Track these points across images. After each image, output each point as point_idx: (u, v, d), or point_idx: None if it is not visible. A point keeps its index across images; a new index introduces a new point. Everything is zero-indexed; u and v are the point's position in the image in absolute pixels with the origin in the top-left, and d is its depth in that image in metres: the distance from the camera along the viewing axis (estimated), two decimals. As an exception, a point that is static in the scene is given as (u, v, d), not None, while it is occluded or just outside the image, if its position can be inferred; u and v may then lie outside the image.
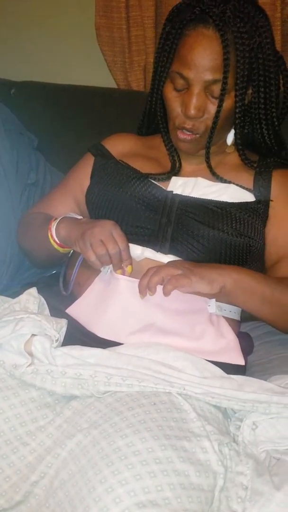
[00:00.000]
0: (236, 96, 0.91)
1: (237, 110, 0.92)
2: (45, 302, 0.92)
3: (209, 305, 0.90)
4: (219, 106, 0.90)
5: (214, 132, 0.93)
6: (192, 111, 0.90)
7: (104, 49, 1.38)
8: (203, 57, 0.87)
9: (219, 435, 0.74)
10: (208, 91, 0.90)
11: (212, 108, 0.91)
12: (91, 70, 1.48)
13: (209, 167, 0.99)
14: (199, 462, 0.70)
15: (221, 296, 0.89)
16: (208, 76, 0.88)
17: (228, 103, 0.91)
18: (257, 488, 0.70)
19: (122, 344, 0.86)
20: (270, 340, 1.08)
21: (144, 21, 1.31)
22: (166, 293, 0.84)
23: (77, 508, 0.64)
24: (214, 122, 0.92)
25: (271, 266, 0.99)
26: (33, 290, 0.92)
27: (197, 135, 0.94)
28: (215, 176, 0.99)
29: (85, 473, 0.67)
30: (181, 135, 0.94)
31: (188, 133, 0.93)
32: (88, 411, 0.75)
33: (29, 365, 0.77)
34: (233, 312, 0.94)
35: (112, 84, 1.45)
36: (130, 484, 0.64)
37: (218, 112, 0.90)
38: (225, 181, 0.98)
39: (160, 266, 0.87)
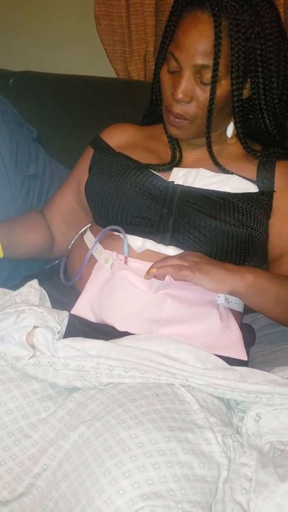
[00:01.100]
0: (232, 85, 0.89)
1: (234, 99, 0.91)
2: (46, 294, 0.91)
3: (218, 296, 0.89)
4: (211, 93, 0.88)
5: (210, 120, 0.91)
6: (180, 95, 0.89)
7: (103, 38, 1.37)
8: (195, 41, 0.86)
9: (222, 427, 0.74)
10: (199, 76, 0.88)
11: (201, 94, 0.89)
12: (90, 60, 1.47)
13: (212, 156, 0.97)
14: (203, 454, 0.70)
15: (231, 295, 0.89)
16: (198, 60, 0.87)
17: (220, 91, 0.89)
18: (261, 479, 0.70)
19: (130, 333, 0.86)
20: (272, 331, 1.08)
21: (144, 9, 1.30)
22: (158, 276, 0.83)
23: (80, 500, 0.64)
24: (209, 111, 0.90)
25: (274, 260, 0.98)
26: (34, 282, 0.91)
27: (186, 121, 0.92)
28: (218, 166, 0.98)
29: (89, 465, 0.66)
30: (171, 119, 0.93)
31: (177, 119, 0.92)
32: (90, 403, 0.74)
33: (30, 357, 0.77)
34: (238, 304, 0.94)
35: (112, 74, 1.44)
36: (134, 475, 0.64)
37: (211, 99, 0.89)
38: (227, 172, 0.97)
39: (173, 256, 0.87)
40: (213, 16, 0.85)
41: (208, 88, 0.88)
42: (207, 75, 0.87)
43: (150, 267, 0.85)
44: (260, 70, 0.91)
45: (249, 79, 0.93)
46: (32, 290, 0.90)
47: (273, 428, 0.78)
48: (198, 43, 0.86)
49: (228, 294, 0.89)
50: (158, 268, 0.83)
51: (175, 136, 0.97)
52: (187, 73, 0.88)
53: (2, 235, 0.98)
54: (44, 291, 0.91)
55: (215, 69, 0.86)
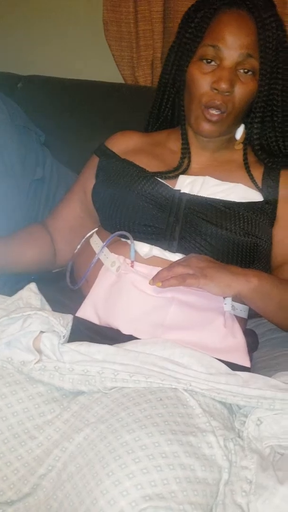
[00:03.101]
0: (261, 80, 0.93)
1: (260, 95, 0.94)
2: (43, 297, 0.92)
3: (225, 303, 0.90)
4: (262, 80, 0.92)
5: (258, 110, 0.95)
6: (224, 85, 0.90)
7: (111, 43, 1.38)
8: (239, 33, 0.91)
9: (224, 431, 0.75)
10: (240, 67, 0.92)
11: (240, 86, 0.92)
12: (98, 65, 1.48)
13: (244, 153, 0.99)
14: (205, 457, 0.71)
15: (236, 298, 0.90)
16: (243, 50, 0.91)
17: (252, 85, 0.93)
18: (261, 482, 0.71)
19: (134, 336, 0.87)
20: (275, 337, 1.08)
21: (152, 15, 1.31)
22: (164, 285, 0.84)
23: (84, 500, 0.65)
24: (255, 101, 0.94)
25: (276, 268, 0.99)
26: (33, 286, 0.92)
27: (224, 114, 0.94)
28: (244, 162, 0.99)
29: (93, 467, 0.68)
30: (209, 115, 0.94)
31: (217, 112, 0.93)
32: (95, 406, 0.75)
33: (37, 362, 0.78)
34: (244, 311, 0.95)
35: (120, 79, 1.45)
36: (137, 477, 0.65)
37: (265, 89, 0.93)
38: (233, 181, 0.98)
39: (178, 262, 0.88)
40: (252, 13, 0.91)
41: (248, 80, 0.92)
42: (249, 66, 0.92)
43: (156, 274, 0.86)
44: (280, 71, 0.95)
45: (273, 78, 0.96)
46: (32, 294, 0.91)
47: (273, 432, 0.79)
48: (243, 35, 0.91)
49: (233, 297, 0.90)
50: (163, 282, 0.84)
51: (207, 133, 0.96)
52: (230, 64, 0.91)
53: None
54: (40, 295, 0.92)
55: (262, 61, 0.91)
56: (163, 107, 1.04)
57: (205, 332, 0.89)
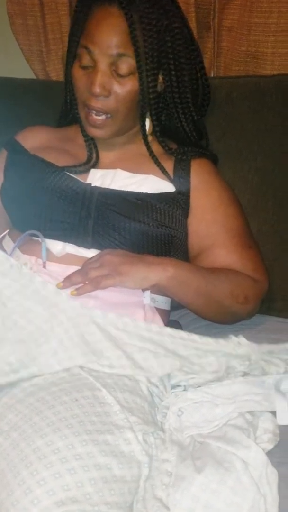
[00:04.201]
0: (147, 76, 0.90)
1: (150, 91, 0.92)
2: None
3: (144, 297, 0.90)
4: (141, 82, 0.89)
5: (144, 110, 0.92)
6: (97, 89, 0.89)
7: (19, 37, 1.34)
8: (108, 33, 0.87)
9: (143, 425, 0.74)
10: (114, 69, 0.89)
11: (118, 87, 0.90)
12: (8, 61, 1.43)
13: (147, 146, 0.98)
14: (122, 454, 0.70)
15: (156, 290, 0.90)
16: (113, 51, 0.88)
17: (131, 84, 0.90)
18: (180, 473, 0.71)
19: None
20: (198, 326, 1.09)
21: (58, 7, 1.28)
22: (79, 292, 0.84)
23: (-5, 513, 0.63)
24: (141, 101, 0.91)
25: (194, 258, 1.00)
26: None
27: (107, 118, 0.92)
28: (150, 156, 0.98)
29: (5, 477, 0.65)
30: (91, 119, 0.93)
31: (100, 117, 0.92)
32: (8, 413, 0.73)
33: None
34: (165, 302, 0.95)
35: (31, 75, 1.41)
36: (49, 483, 0.63)
37: (141, 88, 0.89)
38: (144, 172, 0.97)
39: (91, 261, 0.86)
40: (122, 9, 0.87)
41: (125, 80, 0.89)
42: (123, 67, 0.88)
43: (68, 278, 0.85)
44: (172, 62, 0.93)
45: (161, 73, 0.94)
46: None
47: (194, 421, 0.80)
48: (112, 34, 0.87)
49: (152, 289, 0.89)
50: (78, 290, 0.84)
51: (97, 137, 0.97)
52: (102, 66, 0.89)
53: None
54: None
55: (138, 60, 0.88)
56: (68, 104, 1.02)
57: None
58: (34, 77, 1.40)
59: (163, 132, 1.00)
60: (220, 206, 0.98)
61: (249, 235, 1.01)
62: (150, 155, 0.98)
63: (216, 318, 0.99)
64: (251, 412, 0.80)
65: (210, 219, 0.97)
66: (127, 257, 0.89)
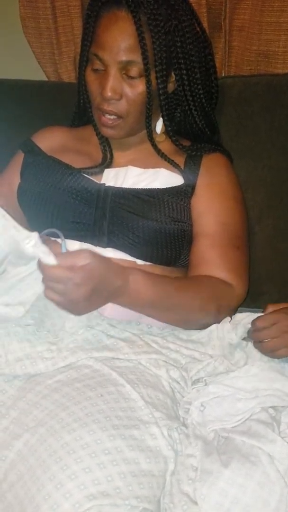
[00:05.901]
0: (157, 78, 0.91)
1: (160, 92, 0.93)
2: None
3: None
4: (147, 86, 0.90)
5: (150, 112, 0.92)
6: (109, 93, 0.90)
7: (31, 40, 1.34)
8: (116, 38, 0.88)
9: (167, 421, 0.75)
10: (125, 72, 0.90)
11: (129, 90, 0.91)
12: (20, 63, 1.44)
13: (154, 145, 0.98)
14: (149, 449, 0.70)
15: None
16: (122, 57, 0.88)
17: (142, 87, 0.90)
18: (206, 467, 0.71)
19: None
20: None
21: (70, 10, 1.28)
22: None
23: (26, 508, 0.63)
24: (148, 102, 0.91)
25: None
26: None
27: (119, 120, 0.93)
28: (159, 154, 0.98)
29: (34, 472, 0.66)
30: (103, 120, 0.94)
31: (111, 117, 0.93)
32: (34, 409, 0.73)
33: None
34: None
35: (43, 77, 1.42)
36: (80, 477, 0.64)
37: (148, 92, 0.90)
38: (155, 167, 0.97)
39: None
40: (131, 12, 0.87)
41: (136, 83, 0.90)
42: (133, 70, 0.89)
43: None
44: (182, 61, 0.94)
45: (173, 73, 0.95)
46: None
47: (216, 415, 0.80)
48: (120, 40, 0.88)
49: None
50: None
51: (109, 137, 0.98)
52: (113, 71, 0.89)
53: None
54: None
55: (145, 63, 0.88)
56: (82, 105, 1.03)
57: None
58: (46, 79, 1.41)
59: (177, 131, 1.01)
60: (219, 197, 0.97)
61: (241, 236, 0.98)
62: (158, 153, 0.99)
63: (181, 327, 0.93)
64: (274, 407, 0.80)
65: (205, 207, 0.96)
66: (75, 299, 0.75)
